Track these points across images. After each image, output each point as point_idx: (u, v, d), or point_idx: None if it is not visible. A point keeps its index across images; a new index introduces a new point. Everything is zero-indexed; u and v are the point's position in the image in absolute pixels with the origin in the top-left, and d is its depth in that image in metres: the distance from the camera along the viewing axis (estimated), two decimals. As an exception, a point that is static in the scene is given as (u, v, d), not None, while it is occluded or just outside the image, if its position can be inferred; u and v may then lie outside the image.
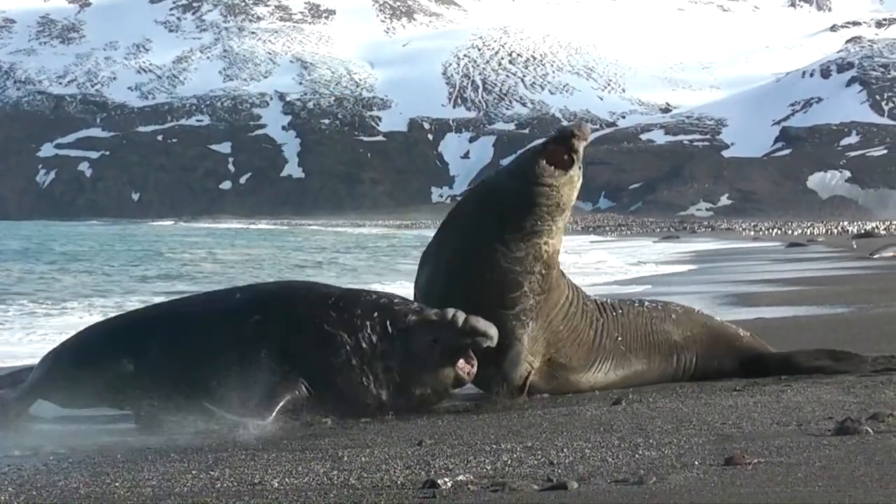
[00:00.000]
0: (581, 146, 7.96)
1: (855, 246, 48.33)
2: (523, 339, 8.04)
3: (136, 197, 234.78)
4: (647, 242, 67.46)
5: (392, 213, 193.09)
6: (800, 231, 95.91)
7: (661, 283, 25.11)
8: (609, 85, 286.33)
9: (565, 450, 6.02)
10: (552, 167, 7.97)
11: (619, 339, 8.57)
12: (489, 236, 8.03)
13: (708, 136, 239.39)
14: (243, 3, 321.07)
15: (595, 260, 40.49)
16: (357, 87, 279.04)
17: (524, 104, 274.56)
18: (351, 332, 7.59)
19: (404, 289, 12.48)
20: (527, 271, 8.03)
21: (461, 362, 7.60)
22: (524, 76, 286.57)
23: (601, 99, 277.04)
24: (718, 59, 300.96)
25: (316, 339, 7.59)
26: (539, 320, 8.11)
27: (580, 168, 8.10)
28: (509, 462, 5.78)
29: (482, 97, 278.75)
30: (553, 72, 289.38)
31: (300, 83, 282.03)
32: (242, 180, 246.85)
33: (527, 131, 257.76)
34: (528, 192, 7.97)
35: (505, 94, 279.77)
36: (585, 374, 8.46)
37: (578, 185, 8.12)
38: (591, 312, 8.52)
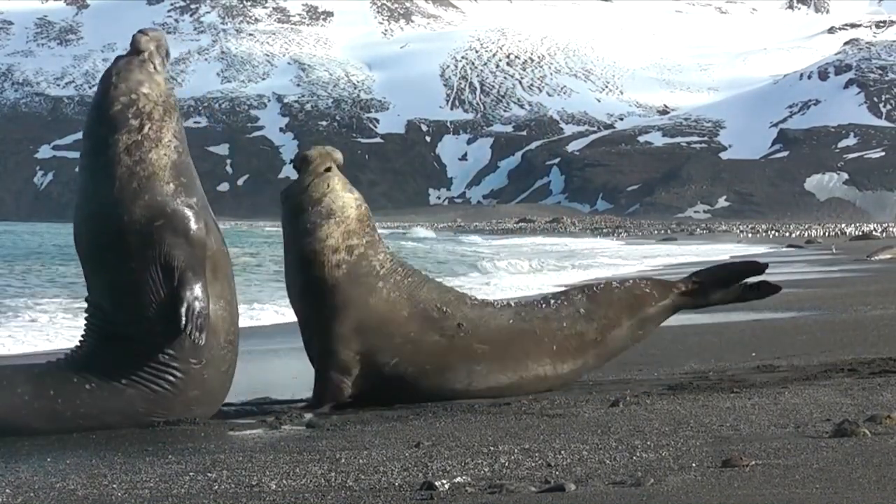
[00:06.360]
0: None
1: (834, 250, 48.48)
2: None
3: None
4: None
5: (389, 214, 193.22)
6: (798, 233, 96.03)
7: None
8: (607, 87, 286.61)
9: (563, 452, 6.02)
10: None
11: (504, 343, 8.41)
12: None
13: (706, 138, 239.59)
14: (241, 5, 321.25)
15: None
16: (355, 88, 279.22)
17: (522, 106, 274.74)
18: None
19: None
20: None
21: None
22: (522, 78, 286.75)
23: (599, 101, 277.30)
24: (716, 61, 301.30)
25: None
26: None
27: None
28: (507, 464, 5.78)
29: (480, 99, 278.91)
30: (551, 74, 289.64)
31: (298, 85, 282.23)
32: (240, 182, 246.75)
33: (524, 133, 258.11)
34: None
35: (502, 96, 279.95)
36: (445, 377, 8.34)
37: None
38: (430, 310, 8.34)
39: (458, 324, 8.36)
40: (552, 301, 8.81)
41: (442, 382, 8.34)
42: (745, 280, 9.23)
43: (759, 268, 9.37)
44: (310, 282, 8.29)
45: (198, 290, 7.58)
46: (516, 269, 34.64)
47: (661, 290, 9.03)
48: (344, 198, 8.40)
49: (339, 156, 8.55)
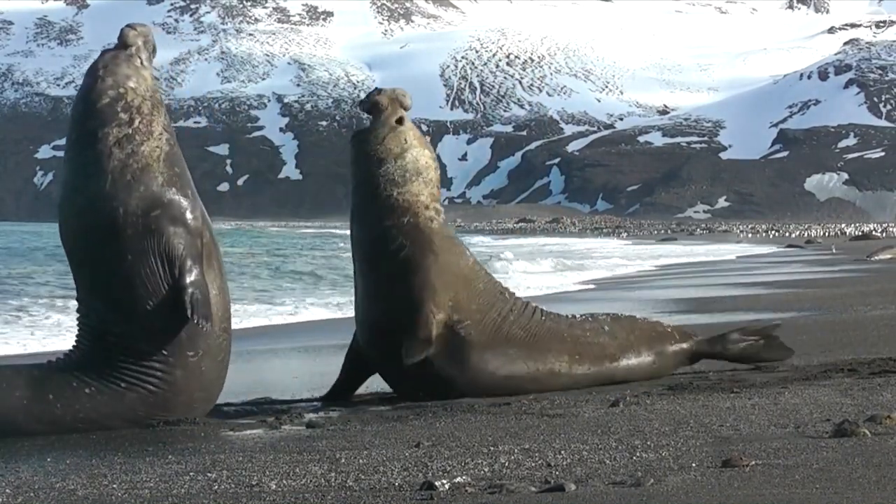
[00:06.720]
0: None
1: (834, 250, 48.59)
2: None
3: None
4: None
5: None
6: (798, 233, 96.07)
7: (660, 285, 25.14)
8: (607, 87, 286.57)
9: (563, 452, 6.02)
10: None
11: (535, 334, 8.73)
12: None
13: (706, 138, 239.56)
14: (241, 5, 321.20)
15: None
16: (355, 88, 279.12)
17: (522, 106, 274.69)
18: None
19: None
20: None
21: None
22: (522, 78, 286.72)
23: (599, 101, 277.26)
24: (716, 61, 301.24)
25: None
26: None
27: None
28: (507, 464, 5.78)
29: (480, 99, 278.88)
30: (551, 74, 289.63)
31: (298, 85, 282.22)
32: (240, 182, 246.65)
33: (524, 133, 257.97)
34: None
35: (502, 96, 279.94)
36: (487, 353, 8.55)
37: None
38: (495, 296, 8.69)
39: (510, 308, 8.75)
40: (578, 317, 9.26)
41: (481, 361, 8.54)
42: (761, 340, 9.66)
43: (775, 331, 9.80)
44: (403, 226, 8.44)
45: (199, 277, 7.58)
46: (536, 268, 34.49)
47: (681, 334, 9.54)
48: (426, 156, 8.70)
49: (408, 102, 8.73)
